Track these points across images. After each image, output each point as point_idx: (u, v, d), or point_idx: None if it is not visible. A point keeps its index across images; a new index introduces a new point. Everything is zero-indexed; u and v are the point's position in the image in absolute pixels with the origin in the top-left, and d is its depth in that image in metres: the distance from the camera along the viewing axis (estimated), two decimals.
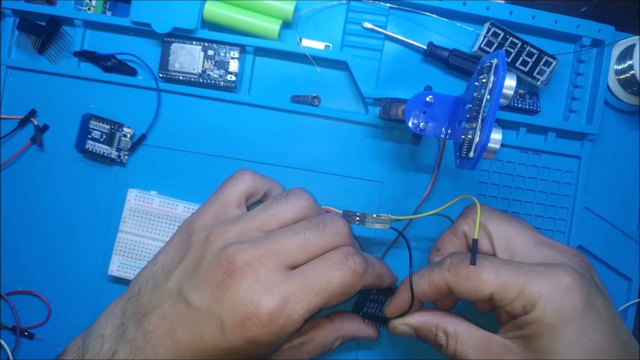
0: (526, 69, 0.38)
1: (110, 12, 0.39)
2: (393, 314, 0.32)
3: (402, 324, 0.32)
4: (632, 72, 0.37)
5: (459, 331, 0.30)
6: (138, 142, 0.38)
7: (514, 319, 0.28)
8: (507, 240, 0.31)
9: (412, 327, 0.32)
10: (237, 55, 0.38)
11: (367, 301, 0.36)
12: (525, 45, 0.37)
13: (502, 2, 0.40)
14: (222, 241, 0.28)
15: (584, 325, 0.27)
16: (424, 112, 0.32)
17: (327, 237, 0.28)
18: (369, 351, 0.39)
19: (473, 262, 0.29)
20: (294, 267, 0.28)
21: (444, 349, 0.30)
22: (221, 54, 0.37)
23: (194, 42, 0.37)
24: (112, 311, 0.29)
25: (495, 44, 0.37)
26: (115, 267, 0.37)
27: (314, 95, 0.38)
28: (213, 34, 0.37)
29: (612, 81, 0.39)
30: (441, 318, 0.31)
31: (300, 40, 0.38)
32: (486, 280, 0.28)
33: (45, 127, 0.39)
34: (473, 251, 0.29)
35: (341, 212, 0.33)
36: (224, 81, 0.38)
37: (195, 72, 0.38)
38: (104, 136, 0.38)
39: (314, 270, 0.27)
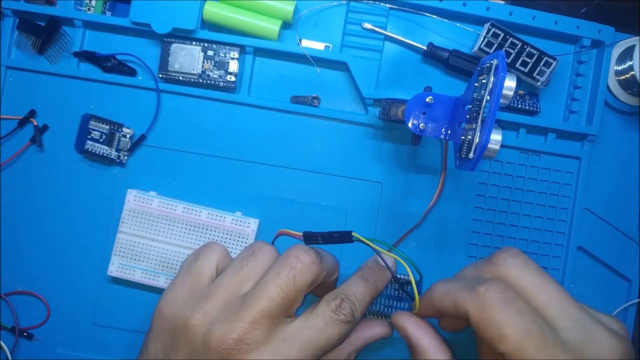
0: (526, 70, 0.37)
1: (110, 13, 0.39)
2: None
3: (402, 327, 0.30)
4: (632, 72, 0.37)
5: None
6: (137, 142, 0.38)
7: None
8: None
9: (407, 336, 0.30)
10: (236, 55, 0.37)
11: None
12: (525, 46, 0.37)
13: (502, 2, 0.40)
14: (206, 322, 0.27)
15: None
16: (424, 113, 0.32)
17: (298, 286, 0.28)
18: (368, 353, 0.39)
19: None
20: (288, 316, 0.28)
21: None
22: (221, 55, 0.37)
23: (194, 43, 0.37)
24: None
25: (495, 45, 0.37)
26: (115, 268, 0.37)
27: (313, 95, 0.38)
28: (213, 34, 0.37)
29: (612, 82, 0.39)
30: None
31: (300, 40, 0.38)
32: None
33: (44, 128, 0.39)
34: None
35: (301, 233, 0.31)
36: (223, 82, 0.38)
37: (195, 72, 0.37)
38: (104, 136, 0.38)
39: (311, 330, 0.28)
